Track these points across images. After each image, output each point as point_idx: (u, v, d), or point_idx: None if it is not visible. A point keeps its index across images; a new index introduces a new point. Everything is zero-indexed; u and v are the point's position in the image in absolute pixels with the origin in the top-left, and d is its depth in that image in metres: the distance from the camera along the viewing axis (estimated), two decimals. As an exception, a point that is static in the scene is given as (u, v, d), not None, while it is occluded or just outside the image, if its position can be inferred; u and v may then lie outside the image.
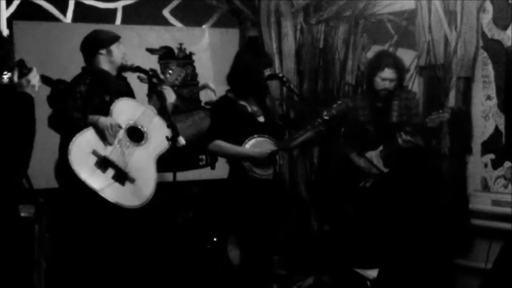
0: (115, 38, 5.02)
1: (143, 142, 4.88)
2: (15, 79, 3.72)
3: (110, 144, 4.77)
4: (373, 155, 5.60)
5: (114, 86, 4.97)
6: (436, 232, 5.45)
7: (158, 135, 4.92)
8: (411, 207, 5.47)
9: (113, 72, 5.02)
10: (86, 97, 4.79)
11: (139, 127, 4.89)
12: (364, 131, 5.72)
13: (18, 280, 4.14)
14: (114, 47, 4.98)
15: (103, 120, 4.75)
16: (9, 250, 4.00)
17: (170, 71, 5.18)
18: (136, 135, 4.88)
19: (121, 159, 4.78)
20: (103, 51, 4.96)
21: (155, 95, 5.04)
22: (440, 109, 5.49)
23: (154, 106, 5.01)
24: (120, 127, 4.80)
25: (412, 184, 5.52)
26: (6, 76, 4.12)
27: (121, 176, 4.76)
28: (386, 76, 5.58)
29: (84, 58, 5.04)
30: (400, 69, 5.66)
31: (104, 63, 4.97)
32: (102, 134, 4.75)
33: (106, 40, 4.98)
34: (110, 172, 4.75)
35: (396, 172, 5.55)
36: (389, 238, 5.60)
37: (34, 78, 3.81)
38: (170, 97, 5.02)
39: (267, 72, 4.97)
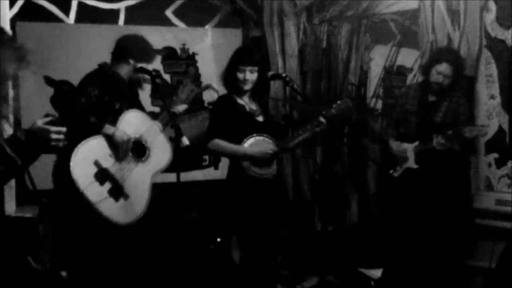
0: (152, 58, 5.02)
1: (144, 158, 4.88)
2: None
3: (119, 160, 4.76)
4: (408, 148, 5.57)
5: (125, 93, 4.95)
6: (441, 231, 5.43)
7: (159, 153, 4.93)
8: (433, 208, 5.42)
9: (127, 78, 4.99)
10: (98, 101, 4.77)
11: (143, 142, 4.88)
12: (406, 120, 5.68)
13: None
14: (142, 64, 4.98)
15: (119, 134, 4.73)
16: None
17: (182, 88, 5.17)
18: (138, 150, 4.87)
19: (120, 173, 4.77)
20: (132, 61, 4.94)
21: (165, 111, 5.03)
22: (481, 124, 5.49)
23: (162, 122, 5.00)
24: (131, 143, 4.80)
25: (440, 186, 5.46)
26: None
27: (117, 192, 4.75)
28: (441, 70, 5.43)
29: (113, 52, 5.01)
30: (458, 67, 5.48)
31: (124, 71, 4.95)
32: (114, 148, 4.73)
33: (143, 56, 4.96)
34: (107, 185, 4.74)
35: (425, 170, 5.50)
36: (396, 235, 5.58)
37: None
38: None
39: (247, 69, 4.86)
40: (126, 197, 4.77)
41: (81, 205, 4.66)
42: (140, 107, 5.14)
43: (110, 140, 4.73)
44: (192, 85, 5.27)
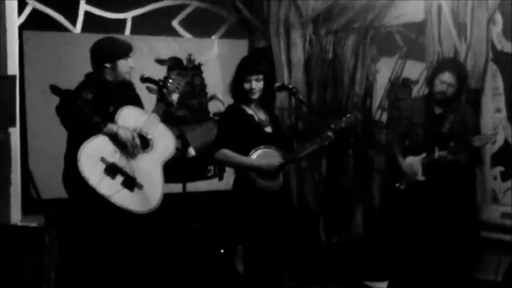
0: (125, 53, 4.99)
1: (149, 149, 4.89)
2: None
3: (130, 156, 4.78)
4: (415, 160, 5.56)
5: (117, 97, 4.95)
6: (447, 243, 5.41)
7: (163, 141, 4.93)
8: (439, 220, 5.40)
9: (113, 80, 5.00)
10: (92, 105, 4.77)
11: (144, 134, 4.89)
12: (413, 133, 5.66)
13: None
14: (121, 61, 4.95)
15: (124, 132, 4.74)
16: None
17: (171, 80, 5.19)
18: (141, 142, 4.88)
19: (128, 165, 4.79)
20: (109, 65, 4.95)
21: (162, 103, 5.05)
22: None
23: (157, 112, 5.01)
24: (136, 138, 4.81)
25: (445, 198, 5.45)
26: None
27: (130, 182, 4.76)
28: (445, 80, 5.40)
29: (91, 63, 5.03)
30: (461, 76, 5.46)
31: (108, 75, 4.96)
32: (118, 144, 4.75)
33: (113, 54, 4.93)
34: (119, 178, 4.74)
35: (431, 182, 5.47)
36: (402, 247, 5.57)
37: None
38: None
39: (253, 79, 4.86)
40: (140, 187, 4.78)
41: (96, 204, 4.66)
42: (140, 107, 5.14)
43: (114, 138, 4.74)
44: (180, 77, 5.28)
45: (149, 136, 4.89)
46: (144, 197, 4.80)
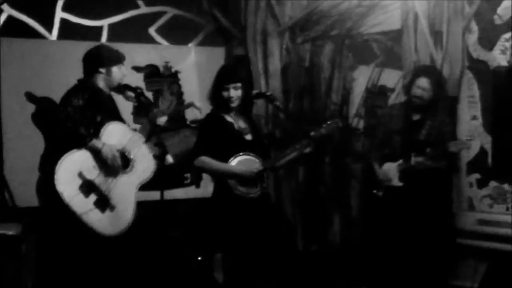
0: (119, 59, 4.97)
1: (128, 169, 4.84)
2: None
3: (109, 175, 4.73)
4: (392, 167, 5.57)
5: (106, 106, 4.93)
6: (424, 250, 5.44)
7: (143, 163, 4.89)
8: (415, 227, 5.42)
9: (107, 90, 4.98)
10: (81, 113, 4.73)
11: (126, 153, 4.85)
12: (390, 140, 5.67)
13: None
14: (115, 68, 4.94)
15: (108, 149, 4.70)
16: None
17: (163, 99, 5.16)
18: (122, 161, 4.84)
19: (105, 185, 4.73)
20: (103, 70, 4.91)
21: (146, 120, 5.01)
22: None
23: (143, 132, 4.98)
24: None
25: (422, 204, 5.47)
26: None
27: (103, 203, 4.70)
28: (420, 85, 5.45)
29: (83, 70, 4.99)
30: (436, 80, 5.50)
31: (101, 81, 4.92)
32: (99, 161, 4.70)
33: (109, 60, 4.92)
34: (93, 197, 4.68)
35: (409, 189, 5.49)
36: (379, 255, 5.59)
37: None
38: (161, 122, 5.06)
39: (231, 87, 4.88)
40: (112, 208, 4.73)
41: (67, 218, 4.61)
42: (121, 120, 5.11)
43: (97, 154, 4.69)
44: (171, 97, 5.26)
45: (131, 156, 4.85)
46: (114, 219, 4.75)
